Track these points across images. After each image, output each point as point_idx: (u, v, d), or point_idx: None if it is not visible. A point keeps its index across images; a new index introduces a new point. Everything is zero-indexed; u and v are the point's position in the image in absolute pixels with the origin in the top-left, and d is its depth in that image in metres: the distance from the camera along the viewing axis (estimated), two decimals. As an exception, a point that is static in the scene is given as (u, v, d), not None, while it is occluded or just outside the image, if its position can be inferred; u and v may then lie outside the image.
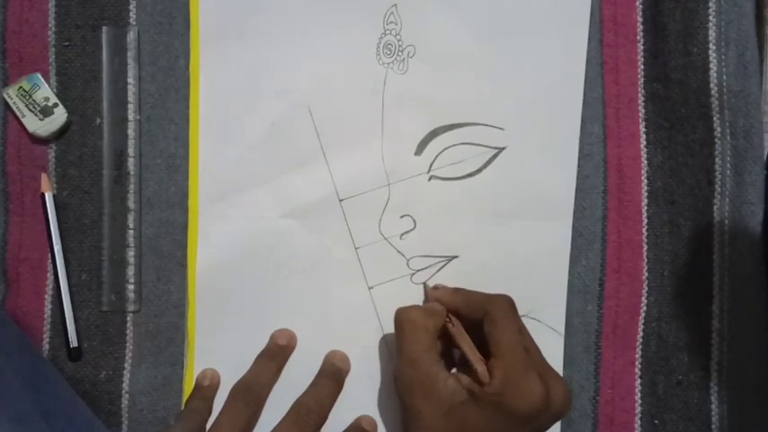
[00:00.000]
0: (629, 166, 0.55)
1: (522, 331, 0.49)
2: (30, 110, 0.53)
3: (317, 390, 0.53)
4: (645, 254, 0.55)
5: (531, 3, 0.54)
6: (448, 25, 0.54)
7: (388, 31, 0.54)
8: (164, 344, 0.54)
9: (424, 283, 0.54)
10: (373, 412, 0.54)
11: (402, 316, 0.50)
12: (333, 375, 0.53)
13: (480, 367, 0.47)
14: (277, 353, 0.53)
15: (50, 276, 0.54)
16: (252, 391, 0.52)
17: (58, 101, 0.53)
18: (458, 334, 0.49)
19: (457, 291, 0.52)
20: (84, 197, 0.54)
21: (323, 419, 0.52)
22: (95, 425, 0.51)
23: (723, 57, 0.54)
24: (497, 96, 0.54)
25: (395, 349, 0.51)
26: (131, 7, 0.54)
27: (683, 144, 0.55)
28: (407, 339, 0.49)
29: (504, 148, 0.54)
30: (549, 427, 0.48)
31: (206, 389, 0.53)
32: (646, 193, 0.55)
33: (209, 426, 0.51)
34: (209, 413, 0.52)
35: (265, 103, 0.54)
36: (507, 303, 0.49)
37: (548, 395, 0.46)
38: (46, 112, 0.53)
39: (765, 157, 0.54)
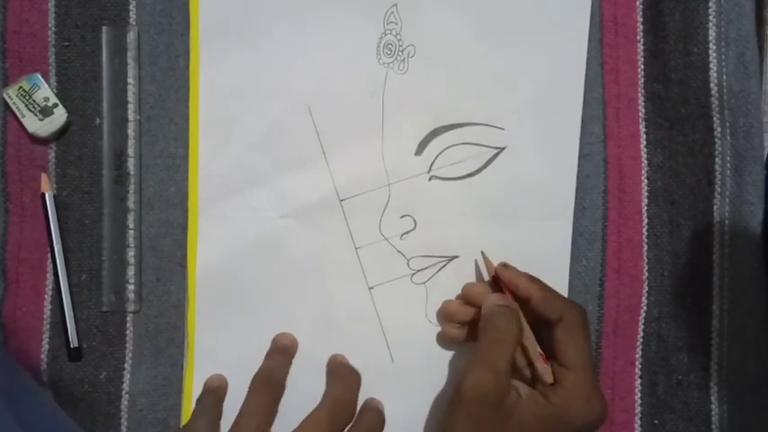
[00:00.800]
0: (630, 165, 0.55)
1: (590, 348, 0.48)
2: (30, 110, 0.53)
3: (347, 381, 0.52)
4: (645, 254, 0.55)
5: (531, 3, 0.54)
6: (448, 25, 0.54)
7: (388, 31, 0.54)
8: (164, 344, 0.54)
9: (482, 252, 0.53)
10: (373, 412, 0.54)
11: (503, 324, 0.48)
12: (350, 373, 0.53)
13: (546, 374, 0.47)
14: (285, 350, 0.53)
15: (50, 276, 0.54)
16: (272, 381, 0.52)
17: (57, 101, 0.53)
18: (530, 341, 0.49)
19: (533, 280, 0.50)
20: (84, 197, 0.54)
21: (352, 418, 0.51)
22: None
23: (723, 57, 0.54)
24: (497, 96, 0.54)
25: (477, 343, 0.48)
26: (131, 7, 0.54)
27: (683, 144, 0.55)
28: (499, 349, 0.47)
29: (504, 148, 0.54)
30: None
31: (216, 389, 0.52)
32: (646, 193, 0.55)
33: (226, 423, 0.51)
34: (221, 412, 0.52)
35: (265, 103, 0.54)
36: (585, 315, 0.49)
37: (606, 412, 0.47)
38: (46, 112, 0.53)
39: (765, 157, 0.54)
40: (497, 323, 0.48)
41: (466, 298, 0.53)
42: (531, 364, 0.48)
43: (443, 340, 0.54)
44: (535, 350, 0.48)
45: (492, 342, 0.47)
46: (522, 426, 0.45)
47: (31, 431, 0.46)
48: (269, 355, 0.53)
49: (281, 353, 0.53)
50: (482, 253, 0.53)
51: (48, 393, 0.52)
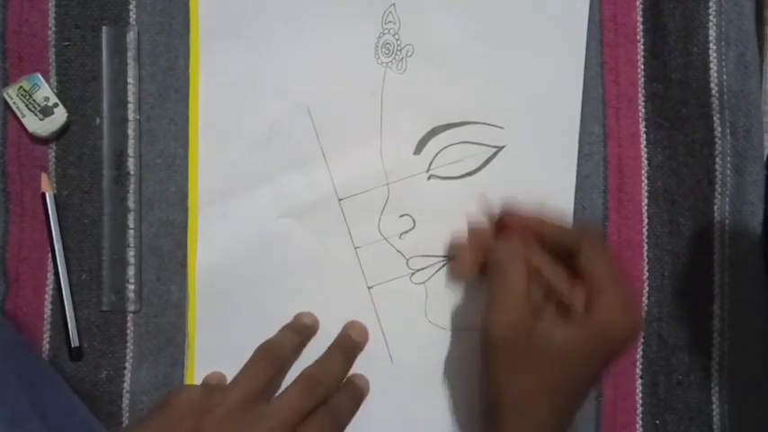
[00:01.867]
0: (630, 165, 0.55)
1: (615, 261, 0.47)
2: (30, 110, 0.53)
3: (327, 362, 0.52)
4: (645, 254, 0.55)
5: (530, 2, 0.54)
6: (446, 24, 0.54)
7: (386, 31, 0.54)
8: (164, 344, 0.54)
9: (481, 194, 0.52)
10: (373, 411, 0.53)
11: (507, 258, 0.48)
12: (345, 349, 0.53)
13: (576, 301, 0.46)
14: (301, 329, 0.53)
15: (50, 276, 0.54)
16: (276, 353, 0.51)
17: (58, 101, 0.53)
18: (550, 273, 0.48)
19: (544, 218, 0.49)
20: (84, 197, 0.54)
21: (330, 393, 0.51)
22: (93, 424, 0.51)
23: (723, 57, 0.53)
24: (496, 95, 0.54)
25: (488, 288, 0.48)
26: (131, 7, 0.55)
27: (683, 144, 0.55)
28: (510, 285, 0.47)
29: (503, 147, 0.54)
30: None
31: (214, 386, 0.53)
32: (646, 193, 0.55)
33: None
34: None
35: (265, 102, 0.54)
36: (600, 238, 0.48)
37: (642, 322, 0.47)
38: (46, 111, 0.53)
39: (765, 157, 0.54)
40: (501, 261, 0.48)
41: (473, 240, 0.53)
42: (559, 300, 0.48)
43: (453, 274, 0.54)
44: (559, 282, 0.47)
45: (500, 282, 0.47)
46: (563, 353, 0.45)
47: (46, 417, 0.46)
48: (280, 330, 0.53)
49: (294, 330, 0.53)
50: (481, 195, 0.52)
51: (65, 383, 0.52)
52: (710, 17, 0.54)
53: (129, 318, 0.54)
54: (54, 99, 0.53)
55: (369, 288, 0.54)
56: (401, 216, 0.54)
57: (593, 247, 0.47)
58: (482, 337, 0.47)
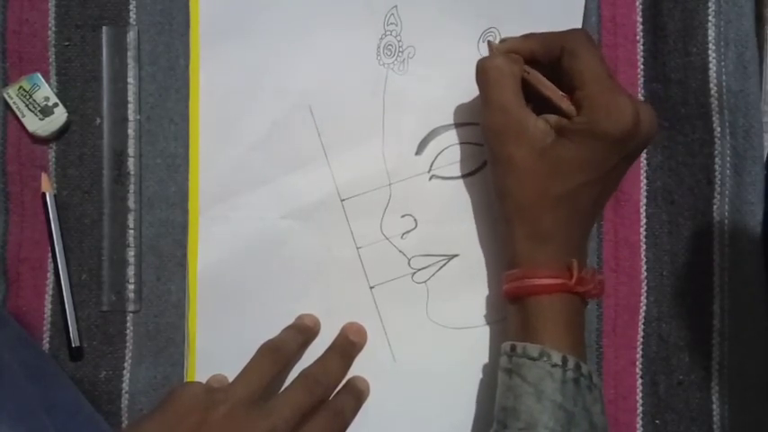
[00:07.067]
0: (629, 165, 0.55)
1: (603, 59, 0.47)
2: (30, 110, 0.53)
3: (326, 362, 0.52)
4: (643, 253, 0.55)
5: (530, 4, 0.54)
6: (448, 26, 0.54)
7: (388, 32, 0.54)
8: (164, 344, 0.54)
9: (488, 41, 0.51)
10: (376, 409, 0.54)
11: (487, 64, 0.48)
12: (344, 350, 0.53)
13: (565, 103, 0.46)
14: (303, 330, 0.53)
15: (50, 276, 0.54)
16: (280, 351, 0.51)
17: (58, 101, 0.53)
18: (536, 79, 0.48)
19: (527, 35, 0.49)
20: (84, 197, 0.54)
21: (329, 392, 0.52)
22: (97, 420, 0.51)
23: (722, 57, 0.54)
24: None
25: (480, 100, 0.49)
26: (131, 7, 0.54)
27: (682, 144, 0.55)
28: (495, 87, 0.48)
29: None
30: (639, 153, 0.48)
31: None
32: (645, 193, 0.55)
33: None
34: None
35: (266, 103, 0.54)
36: (584, 34, 0.47)
37: (638, 114, 0.45)
38: (46, 111, 0.53)
39: (765, 156, 0.54)
40: (489, 66, 0.48)
41: None
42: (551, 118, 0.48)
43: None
44: (544, 84, 0.48)
45: (488, 85, 0.48)
46: (558, 162, 0.46)
47: (53, 412, 0.46)
48: (286, 329, 0.53)
49: (297, 330, 0.53)
50: (488, 42, 0.51)
51: (69, 380, 0.52)
52: (710, 17, 0.54)
53: (128, 318, 0.54)
54: (54, 99, 0.53)
55: (371, 288, 0.54)
56: (403, 216, 0.54)
57: (576, 44, 0.46)
58: (485, 142, 0.49)
